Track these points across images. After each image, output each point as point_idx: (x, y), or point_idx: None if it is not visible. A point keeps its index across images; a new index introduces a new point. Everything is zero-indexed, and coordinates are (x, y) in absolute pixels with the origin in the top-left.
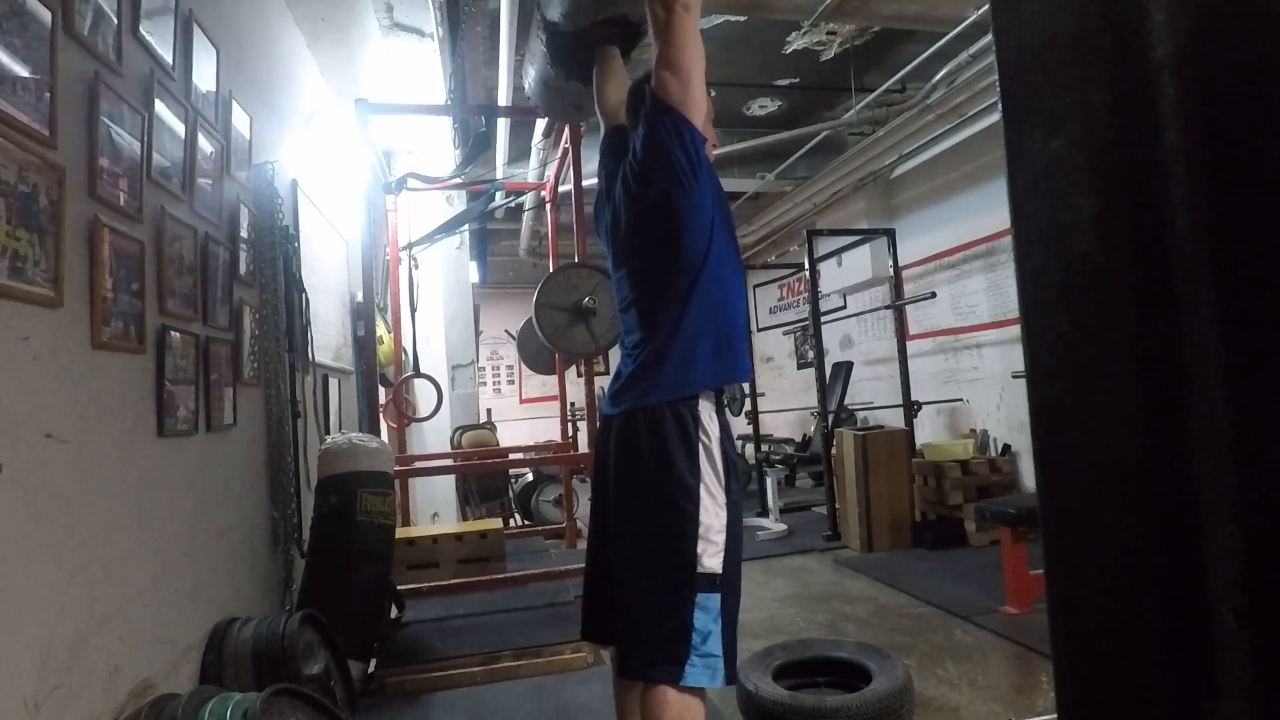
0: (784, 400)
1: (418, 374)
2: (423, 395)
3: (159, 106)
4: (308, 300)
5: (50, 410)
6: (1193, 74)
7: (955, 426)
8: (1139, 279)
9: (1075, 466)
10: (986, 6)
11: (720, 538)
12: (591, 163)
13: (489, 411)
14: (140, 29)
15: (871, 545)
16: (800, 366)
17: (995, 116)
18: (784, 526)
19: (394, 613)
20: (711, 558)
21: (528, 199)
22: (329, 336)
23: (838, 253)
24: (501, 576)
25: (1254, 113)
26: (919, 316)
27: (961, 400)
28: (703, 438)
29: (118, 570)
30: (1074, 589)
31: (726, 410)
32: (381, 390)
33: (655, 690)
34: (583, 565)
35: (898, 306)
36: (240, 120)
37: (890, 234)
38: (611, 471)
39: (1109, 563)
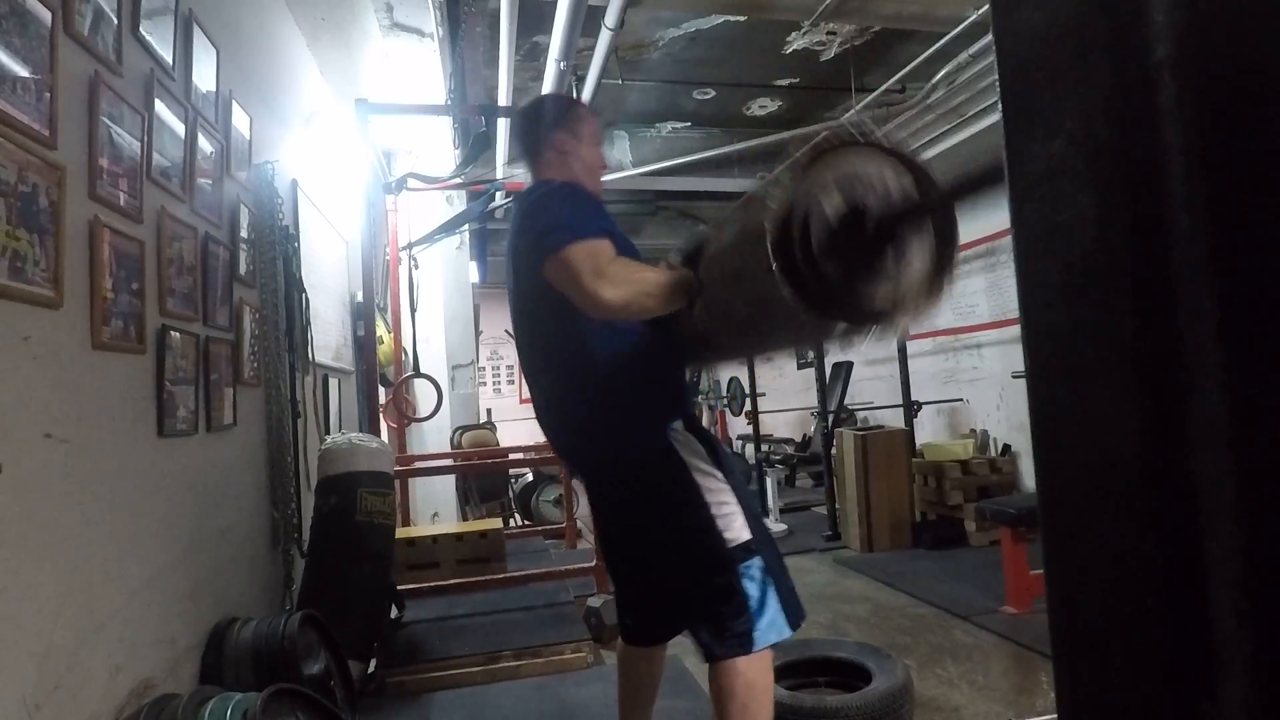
0: (784, 400)
1: (418, 374)
2: (423, 395)
3: (159, 106)
4: (308, 300)
5: (50, 410)
6: (1193, 74)
7: (955, 426)
8: (1139, 279)
9: (1075, 466)
10: (986, 6)
11: (735, 507)
12: None
13: (489, 411)
14: (140, 29)
15: (871, 545)
16: (800, 366)
17: (995, 116)
18: (784, 526)
19: (394, 613)
20: (736, 530)
21: None
22: (329, 336)
23: None
24: (501, 576)
25: (1254, 113)
26: None
27: (961, 400)
28: (675, 441)
29: (118, 570)
30: (1074, 589)
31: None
32: (381, 390)
33: (721, 664)
34: (583, 565)
35: None
36: (240, 120)
37: None
38: (608, 510)
39: (1109, 563)
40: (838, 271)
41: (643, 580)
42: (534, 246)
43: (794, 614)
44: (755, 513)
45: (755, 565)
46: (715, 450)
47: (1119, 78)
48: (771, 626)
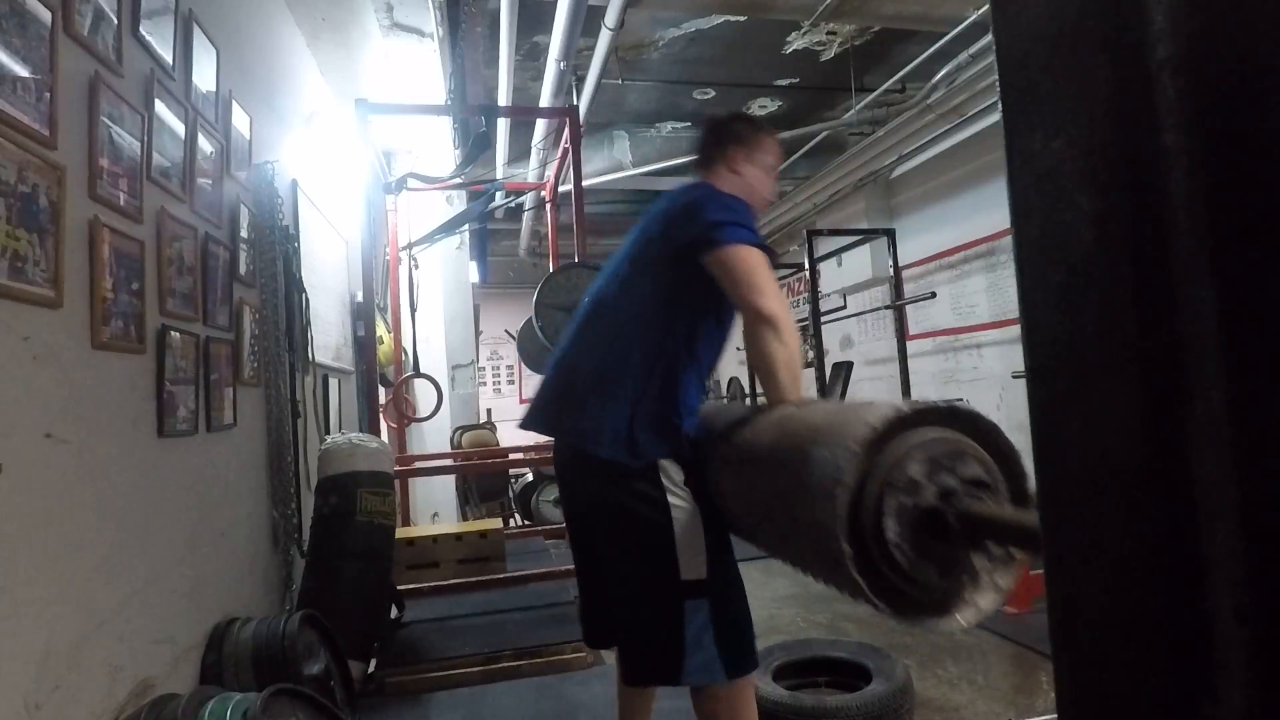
0: None
1: (418, 374)
2: (423, 395)
3: (159, 106)
4: (308, 300)
5: (50, 410)
6: (1193, 74)
7: None
8: (1139, 279)
9: (1075, 466)
10: (986, 6)
11: (698, 541)
12: (591, 163)
13: (489, 411)
14: (140, 29)
15: None
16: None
17: (995, 116)
18: None
19: (394, 613)
20: (693, 567)
21: (528, 199)
22: (329, 336)
23: (838, 253)
24: (501, 576)
25: (1254, 113)
26: (919, 316)
27: (961, 400)
28: (664, 464)
29: (118, 570)
30: (1074, 589)
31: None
32: (381, 390)
33: (702, 690)
34: None
35: (898, 306)
36: (240, 120)
37: (890, 234)
38: (577, 498)
39: (1109, 563)
40: (908, 563)
41: (594, 577)
42: (711, 229)
43: (735, 662)
44: (724, 550)
45: (703, 606)
46: (700, 484)
47: (1119, 78)
48: (704, 669)
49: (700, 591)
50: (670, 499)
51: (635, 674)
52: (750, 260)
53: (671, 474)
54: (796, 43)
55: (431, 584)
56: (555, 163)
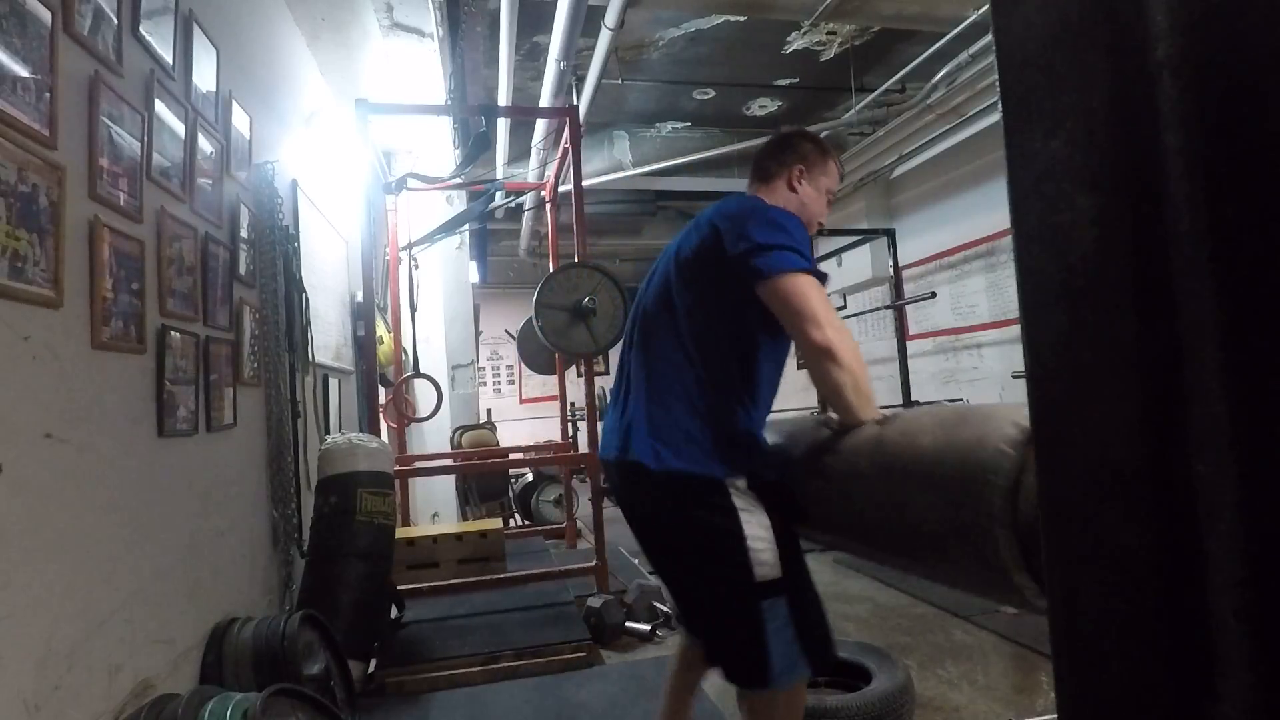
0: (784, 400)
1: (418, 374)
2: (423, 395)
3: (159, 106)
4: (308, 300)
5: (50, 410)
6: (1193, 74)
7: None
8: (1139, 279)
9: (1075, 466)
10: (986, 6)
11: (767, 542)
12: (591, 163)
13: (489, 411)
14: (140, 29)
15: None
16: (800, 366)
17: (995, 116)
18: None
19: (394, 613)
20: (765, 566)
21: (528, 199)
22: (329, 336)
23: (838, 253)
24: (501, 576)
25: (1254, 113)
26: (919, 316)
27: (961, 400)
28: (730, 477)
29: (118, 570)
30: (1074, 588)
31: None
32: (381, 390)
33: (756, 695)
34: (582, 565)
35: (898, 306)
36: (240, 120)
37: (890, 234)
38: (635, 512)
39: (1109, 563)
40: None
41: (674, 584)
42: (757, 254)
43: (817, 658)
44: (795, 552)
45: (780, 605)
46: (764, 489)
47: (1119, 78)
48: (789, 668)
49: (777, 590)
50: (736, 502)
51: (723, 672)
52: (800, 290)
53: (736, 483)
54: (796, 43)
55: (431, 584)
56: (555, 163)
